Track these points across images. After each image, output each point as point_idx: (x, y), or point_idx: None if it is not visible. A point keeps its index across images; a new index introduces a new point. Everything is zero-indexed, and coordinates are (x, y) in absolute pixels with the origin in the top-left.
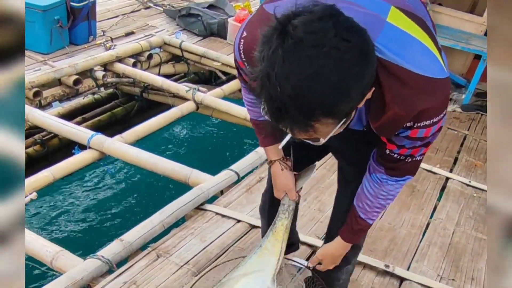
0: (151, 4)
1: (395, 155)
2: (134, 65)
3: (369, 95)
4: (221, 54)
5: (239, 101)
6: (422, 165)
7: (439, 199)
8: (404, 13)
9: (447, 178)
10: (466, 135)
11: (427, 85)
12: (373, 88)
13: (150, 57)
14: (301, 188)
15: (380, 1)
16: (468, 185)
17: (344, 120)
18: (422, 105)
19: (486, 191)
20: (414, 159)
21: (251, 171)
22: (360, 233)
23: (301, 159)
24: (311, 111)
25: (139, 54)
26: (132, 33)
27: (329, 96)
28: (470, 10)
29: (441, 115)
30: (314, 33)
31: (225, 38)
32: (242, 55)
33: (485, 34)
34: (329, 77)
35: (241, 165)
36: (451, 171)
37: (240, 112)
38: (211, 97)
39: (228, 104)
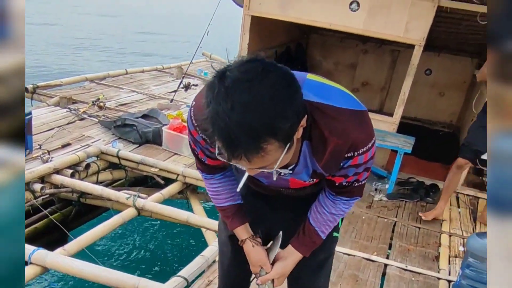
0: (86, 116)
1: (344, 183)
2: (72, 175)
3: (303, 123)
4: (158, 160)
5: (179, 204)
6: (361, 254)
7: (381, 286)
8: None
9: (386, 265)
10: (395, 221)
11: (353, 116)
12: (306, 115)
13: (87, 166)
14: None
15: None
16: (405, 269)
17: (288, 144)
18: (354, 133)
19: (422, 274)
20: (360, 183)
21: (199, 275)
22: (312, 246)
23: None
24: (257, 133)
25: (76, 164)
26: (68, 144)
27: (268, 116)
28: (379, 109)
29: (373, 141)
30: (246, 71)
31: (160, 145)
32: (194, 121)
33: (397, 132)
34: (265, 100)
35: (188, 271)
36: (387, 257)
37: (182, 216)
38: (152, 202)
39: (169, 209)
